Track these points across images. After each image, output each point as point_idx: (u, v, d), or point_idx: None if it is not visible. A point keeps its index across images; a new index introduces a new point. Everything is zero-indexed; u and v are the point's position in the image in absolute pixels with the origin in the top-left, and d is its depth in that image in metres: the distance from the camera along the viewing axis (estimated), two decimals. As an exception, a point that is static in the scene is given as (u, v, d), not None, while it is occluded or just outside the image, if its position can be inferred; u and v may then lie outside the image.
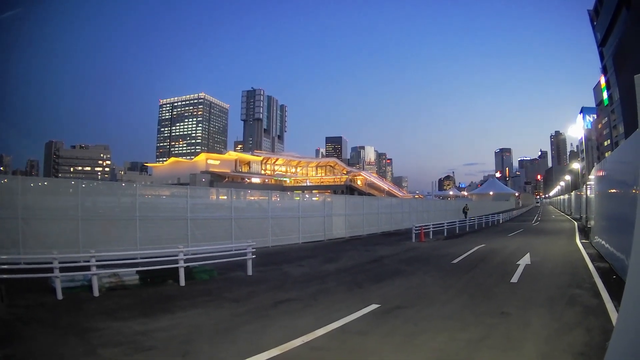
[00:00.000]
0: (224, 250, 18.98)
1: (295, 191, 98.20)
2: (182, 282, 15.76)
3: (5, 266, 13.86)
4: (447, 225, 41.14)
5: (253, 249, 18.65)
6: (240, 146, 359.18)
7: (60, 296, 13.28)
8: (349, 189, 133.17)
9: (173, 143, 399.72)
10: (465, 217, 48.69)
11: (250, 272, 18.11)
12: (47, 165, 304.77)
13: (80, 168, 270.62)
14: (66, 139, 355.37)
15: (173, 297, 13.86)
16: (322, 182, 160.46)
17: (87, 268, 14.03)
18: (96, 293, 13.92)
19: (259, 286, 15.85)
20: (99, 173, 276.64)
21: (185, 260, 16.14)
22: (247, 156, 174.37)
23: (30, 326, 10.49)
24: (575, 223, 56.36)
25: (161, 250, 17.47)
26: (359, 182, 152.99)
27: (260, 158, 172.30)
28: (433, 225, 38.11)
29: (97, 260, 14.09)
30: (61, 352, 8.71)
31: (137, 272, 15.58)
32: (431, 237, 36.27)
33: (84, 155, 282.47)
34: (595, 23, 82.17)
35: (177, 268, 15.84)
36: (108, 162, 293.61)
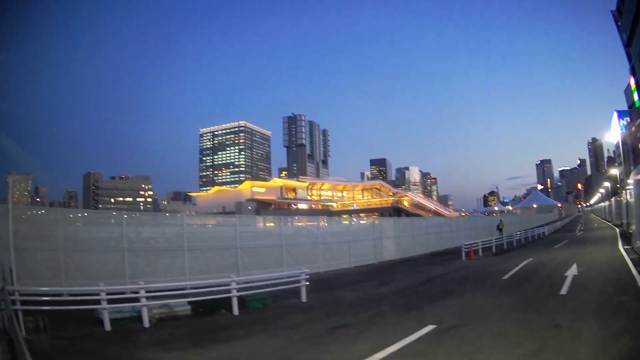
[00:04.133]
0: (276, 278, 18.43)
1: (342, 215, 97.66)
2: (236, 311, 15.55)
3: (47, 298, 13.72)
4: (495, 242, 40.79)
5: (306, 275, 18.42)
6: (284, 173, 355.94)
7: (108, 327, 13.13)
8: (396, 211, 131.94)
9: (216, 172, 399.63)
10: (501, 234, 47.53)
11: (304, 298, 17.90)
12: (86, 196, 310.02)
13: (121, 199, 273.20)
14: (105, 171, 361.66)
15: (227, 327, 13.71)
16: (369, 205, 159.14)
17: (136, 299, 13.91)
18: (146, 324, 13.72)
19: (314, 313, 15.76)
20: (141, 203, 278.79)
21: (238, 289, 15.94)
22: (292, 182, 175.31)
23: (77, 357, 10.37)
24: (617, 230, 55.85)
25: (212, 280, 17.42)
26: (405, 203, 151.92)
27: (306, 184, 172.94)
28: (481, 242, 37.71)
29: (146, 291, 13.96)
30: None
31: (189, 302, 15.42)
32: (480, 254, 35.84)
33: (124, 186, 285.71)
34: (619, 24, 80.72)
35: (229, 297, 15.64)
36: (150, 193, 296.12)
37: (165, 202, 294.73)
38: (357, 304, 17.09)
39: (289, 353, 10.61)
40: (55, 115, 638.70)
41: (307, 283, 18.35)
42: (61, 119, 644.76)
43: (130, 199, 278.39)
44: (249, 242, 24.28)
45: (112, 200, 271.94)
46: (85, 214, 24.59)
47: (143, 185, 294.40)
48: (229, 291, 15.68)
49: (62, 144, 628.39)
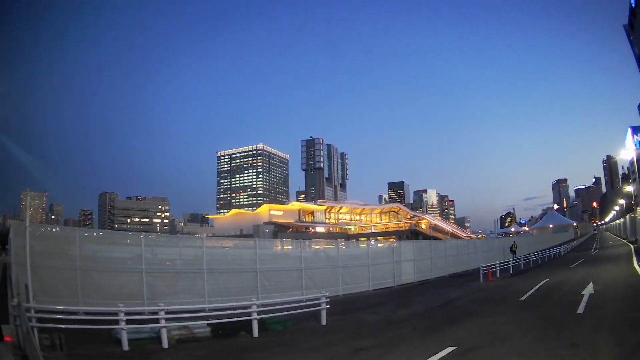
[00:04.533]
0: (296, 301, 18.44)
1: (360, 239, 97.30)
2: (256, 334, 15.48)
3: (63, 316, 13.49)
4: (513, 263, 41.33)
5: (327, 298, 18.34)
6: (302, 196, 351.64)
7: (126, 347, 13.12)
8: (414, 234, 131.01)
9: (234, 194, 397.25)
10: (514, 256, 47.25)
11: (324, 321, 17.83)
12: (102, 216, 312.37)
13: (137, 219, 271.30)
14: (122, 191, 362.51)
15: (248, 349, 13.72)
16: (386, 228, 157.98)
17: (155, 320, 13.91)
18: (165, 345, 13.67)
19: (335, 335, 15.79)
20: (158, 225, 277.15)
21: (258, 312, 15.87)
22: (310, 206, 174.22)
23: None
24: (632, 246, 56.43)
25: (231, 303, 17.39)
26: (423, 226, 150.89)
27: (324, 207, 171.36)
28: (499, 263, 37.89)
29: (165, 313, 13.94)
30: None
31: (209, 324, 15.41)
32: (498, 275, 35.98)
33: (140, 207, 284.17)
34: (631, 38, 79.93)
35: (249, 320, 15.60)
36: (167, 214, 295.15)
37: (182, 224, 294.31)
38: (377, 327, 17.20)
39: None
40: (73, 133, 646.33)
41: (327, 306, 18.26)
42: (78, 137, 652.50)
43: (147, 220, 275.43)
44: (269, 265, 24.26)
45: (129, 220, 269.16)
46: (101, 234, 24.36)
47: (160, 207, 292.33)
48: (249, 314, 15.65)
49: (78, 163, 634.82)
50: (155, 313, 14.08)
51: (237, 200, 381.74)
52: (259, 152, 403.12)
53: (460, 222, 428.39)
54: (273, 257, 26.37)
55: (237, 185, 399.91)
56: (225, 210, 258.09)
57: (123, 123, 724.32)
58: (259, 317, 15.78)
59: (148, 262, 19.66)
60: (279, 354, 12.95)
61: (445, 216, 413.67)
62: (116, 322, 13.22)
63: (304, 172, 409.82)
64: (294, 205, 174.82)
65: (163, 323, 13.83)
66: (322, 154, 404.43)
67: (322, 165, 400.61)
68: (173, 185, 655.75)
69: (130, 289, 18.69)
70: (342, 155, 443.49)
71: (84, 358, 12.02)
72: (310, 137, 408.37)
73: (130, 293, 18.39)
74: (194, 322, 15.19)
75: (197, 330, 15.06)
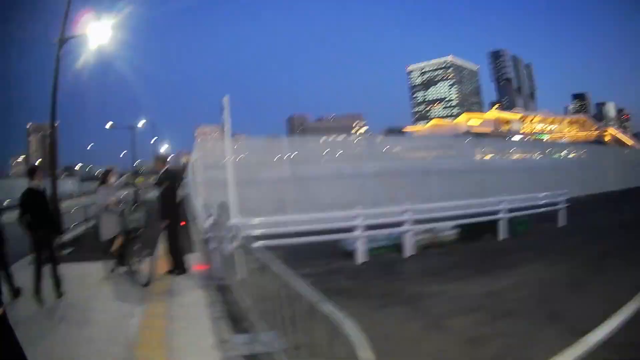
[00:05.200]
0: (534, 204, 17.38)
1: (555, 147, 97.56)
2: (501, 236, 15.09)
3: (270, 234, 11.84)
4: None
5: (565, 198, 18.02)
6: (496, 106, 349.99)
7: (362, 259, 12.18)
8: (599, 144, 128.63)
9: (428, 107, 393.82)
10: None
11: (561, 223, 17.53)
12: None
13: (332, 138, 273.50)
14: (313, 112, 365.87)
15: (498, 252, 13.11)
16: (575, 137, 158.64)
17: (395, 224, 13.00)
18: (408, 253, 12.84)
19: (576, 237, 15.08)
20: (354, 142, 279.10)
21: (503, 213, 15.30)
22: (505, 115, 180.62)
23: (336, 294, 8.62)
24: None
25: (471, 210, 15.45)
26: (607, 138, 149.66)
27: (519, 116, 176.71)
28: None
29: (407, 217, 12.94)
30: (404, 325, 7.23)
31: (453, 227, 14.62)
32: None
33: (333, 126, 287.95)
34: None
35: (491, 221, 15.16)
36: (362, 130, 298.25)
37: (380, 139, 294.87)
38: (615, 230, 16.15)
39: (584, 277, 9.79)
40: (257, 59, 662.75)
41: (565, 206, 17.93)
42: (264, 62, 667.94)
43: (343, 137, 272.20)
44: (492, 167, 24.92)
45: (322, 140, 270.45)
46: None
47: (354, 124, 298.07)
48: (494, 215, 15.19)
49: (264, 88, 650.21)
50: (394, 218, 13.15)
51: (433, 112, 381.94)
52: (448, 64, 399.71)
53: (637, 137, 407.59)
54: (492, 160, 26.62)
55: (431, 98, 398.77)
56: (422, 122, 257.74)
57: (309, 44, 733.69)
58: (505, 217, 15.32)
59: (367, 167, 19.16)
60: (533, 257, 11.94)
61: (622, 129, 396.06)
62: (337, 232, 12.37)
63: (493, 83, 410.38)
64: (491, 114, 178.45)
65: (405, 227, 12.90)
66: (508, 64, 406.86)
67: (509, 75, 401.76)
68: (366, 102, 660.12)
69: (350, 197, 16.59)
70: (528, 66, 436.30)
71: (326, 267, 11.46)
72: (496, 48, 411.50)
73: (351, 201, 15.59)
74: (436, 225, 14.40)
75: (443, 234, 14.43)
